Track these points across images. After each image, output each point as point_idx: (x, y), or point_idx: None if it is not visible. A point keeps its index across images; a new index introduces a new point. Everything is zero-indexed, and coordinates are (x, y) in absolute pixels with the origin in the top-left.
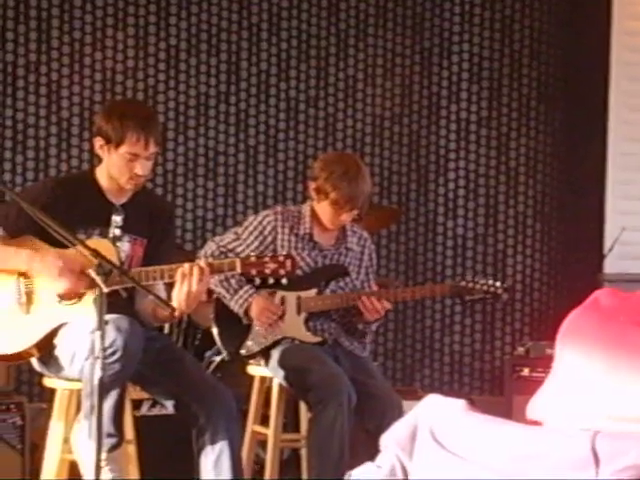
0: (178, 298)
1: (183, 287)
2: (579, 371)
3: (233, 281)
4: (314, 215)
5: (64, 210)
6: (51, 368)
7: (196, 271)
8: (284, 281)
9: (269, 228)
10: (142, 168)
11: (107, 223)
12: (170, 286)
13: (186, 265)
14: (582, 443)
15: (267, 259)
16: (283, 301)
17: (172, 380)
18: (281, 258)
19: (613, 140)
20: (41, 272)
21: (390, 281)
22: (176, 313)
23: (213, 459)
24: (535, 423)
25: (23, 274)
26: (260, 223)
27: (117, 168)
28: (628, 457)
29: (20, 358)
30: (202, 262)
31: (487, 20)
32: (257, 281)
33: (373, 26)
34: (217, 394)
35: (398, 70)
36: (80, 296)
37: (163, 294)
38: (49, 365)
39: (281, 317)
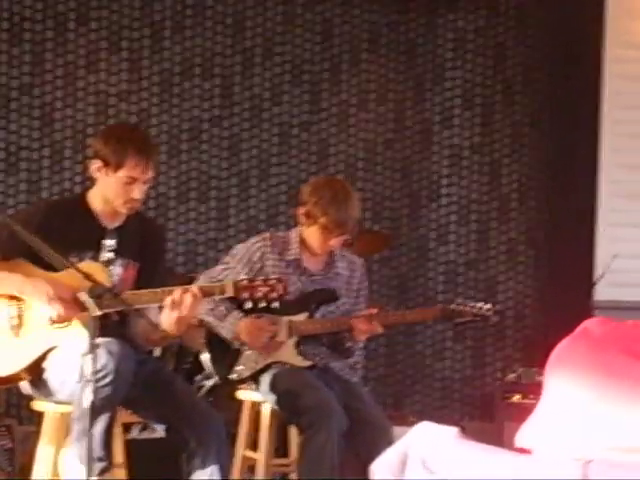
0: (168, 322)
1: (173, 312)
2: (569, 400)
3: (222, 307)
4: (302, 240)
5: (56, 233)
6: (41, 391)
7: (188, 297)
8: (275, 305)
9: (258, 254)
10: (139, 192)
11: (99, 247)
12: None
13: (178, 290)
14: (573, 472)
15: (259, 282)
16: (275, 326)
17: (163, 404)
18: (273, 281)
19: (604, 167)
20: (32, 297)
21: (381, 307)
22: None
23: None
24: (524, 451)
25: (14, 297)
26: (248, 250)
27: (114, 191)
28: None
29: (10, 382)
30: (194, 287)
31: (480, 47)
32: (248, 305)
33: (366, 51)
34: (208, 418)
35: (391, 95)
36: (71, 319)
37: (156, 318)
38: (39, 388)
39: (272, 338)
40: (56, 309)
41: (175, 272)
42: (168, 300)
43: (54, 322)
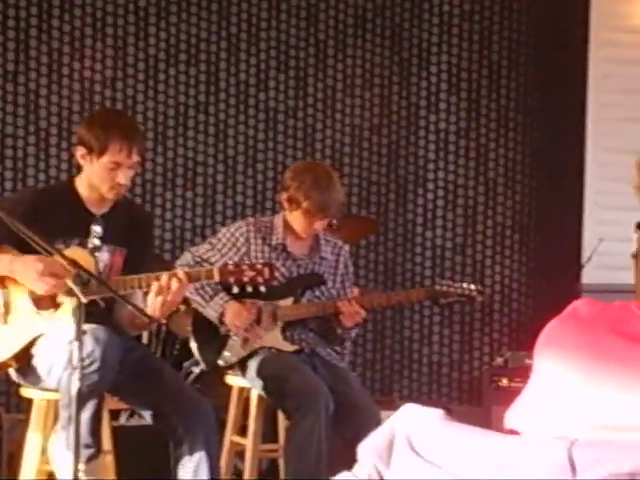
0: (153, 306)
1: (159, 297)
2: (557, 380)
3: (209, 288)
4: (287, 225)
5: (43, 220)
6: (29, 379)
7: (174, 282)
8: (262, 289)
9: (242, 240)
10: (124, 177)
11: (86, 233)
12: (147, 294)
13: (164, 275)
14: (559, 452)
15: (245, 267)
16: (260, 310)
17: (151, 390)
18: (259, 266)
19: (591, 151)
20: (22, 274)
21: (368, 290)
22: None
23: (191, 470)
24: (513, 432)
25: (1, 284)
26: (233, 234)
27: (99, 177)
28: (606, 466)
29: None
30: (180, 272)
31: (466, 31)
32: (235, 289)
33: (352, 37)
34: (196, 404)
35: (377, 81)
36: (57, 305)
37: (141, 303)
38: (27, 376)
39: (258, 323)
40: (46, 284)
41: (162, 258)
42: (155, 285)
43: (41, 306)
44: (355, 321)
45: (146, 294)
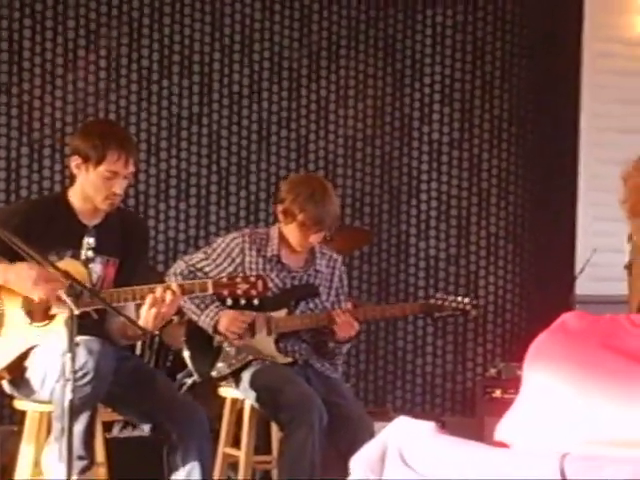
0: (146, 318)
1: (152, 309)
2: (547, 393)
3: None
4: (282, 237)
5: (37, 232)
6: (22, 390)
7: (168, 295)
8: (255, 301)
9: (237, 250)
10: (120, 187)
11: (79, 245)
12: (139, 305)
13: (159, 288)
14: (550, 465)
15: (239, 280)
16: (253, 322)
17: (144, 400)
18: (252, 279)
19: (584, 162)
20: (17, 283)
21: (362, 302)
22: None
23: (183, 477)
24: (503, 445)
25: None
26: (228, 245)
27: (94, 187)
28: (598, 478)
29: None
30: (174, 285)
31: (459, 42)
32: (229, 302)
33: (345, 47)
34: (190, 412)
35: (370, 92)
36: (51, 317)
37: (133, 314)
38: (20, 387)
39: (251, 335)
40: (40, 291)
41: (155, 269)
42: (149, 297)
43: (34, 318)
44: (348, 333)
45: (139, 305)
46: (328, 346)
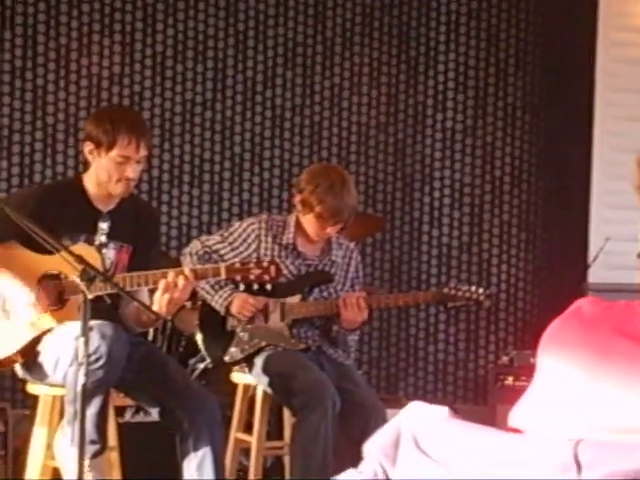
0: (159, 304)
1: (165, 294)
2: (561, 380)
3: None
4: (299, 226)
5: (51, 217)
6: (34, 374)
7: (181, 280)
8: (268, 287)
9: (253, 236)
10: (133, 171)
11: (93, 230)
12: (152, 291)
13: (171, 274)
14: (564, 450)
15: (251, 265)
16: (267, 307)
17: (156, 386)
18: (265, 264)
19: (598, 150)
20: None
21: (375, 289)
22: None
23: (196, 464)
24: (516, 431)
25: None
26: (245, 230)
27: (107, 172)
28: (611, 464)
29: (4, 364)
30: (187, 270)
31: (473, 30)
32: (241, 287)
33: (359, 35)
34: (201, 400)
35: (384, 79)
36: (64, 302)
37: (147, 300)
38: (32, 371)
39: (265, 321)
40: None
41: (168, 255)
42: (162, 283)
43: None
44: (354, 318)
45: (152, 291)
46: (332, 330)
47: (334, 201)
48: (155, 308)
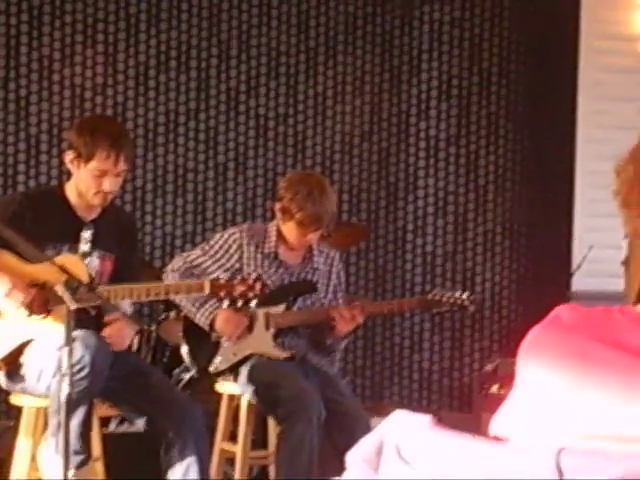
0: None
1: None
2: (541, 387)
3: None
4: (280, 234)
5: (32, 224)
6: (18, 385)
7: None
8: (252, 303)
9: (235, 246)
10: (110, 185)
11: (76, 239)
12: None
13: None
14: (546, 459)
15: (236, 282)
16: (252, 317)
17: (141, 395)
18: (250, 281)
19: (581, 158)
20: None
21: (359, 298)
22: None
23: (180, 474)
24: (498, 440)
25: None
26: (226, 241)
27: (85, 183)
28: (593, 472)
29: None
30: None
31: (456, 39)
32: (225, 304)
33: (343, 44)
34: (186, 409)
35: (367, 88)
36: (48, 311)
37: (128, 309)
38: (16, 382)
39: (249, 331)
40: (19, 296)
41: (152, 265)
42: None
43: (32, 312)
44: (348, 328)
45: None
46: (326, 342)
47: (314, 207)
48: None
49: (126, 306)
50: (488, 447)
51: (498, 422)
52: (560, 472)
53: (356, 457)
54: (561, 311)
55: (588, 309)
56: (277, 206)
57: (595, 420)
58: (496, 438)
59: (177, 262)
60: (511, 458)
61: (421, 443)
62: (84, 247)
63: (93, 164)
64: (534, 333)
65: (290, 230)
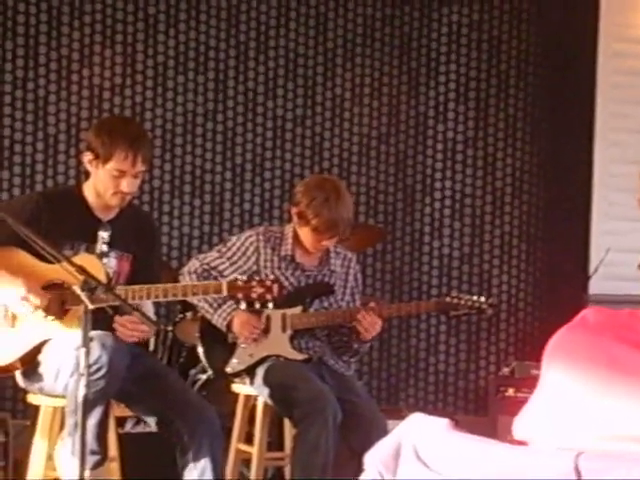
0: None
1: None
2: (566, 389)
3: (216, 295)
4: (296, 237)
5: (49, 223)
6: (35, 384)
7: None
8: (270, 305)
9: (252, 249)
10: (128, 185)
11: (94, 239)
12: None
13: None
14: (565, 462)
15: (254, 283)
16: (268, 319)
17: (156, 397)
18: (268, 283)
19: (599, 161)
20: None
21: (376, 300)
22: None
23: (196, 476)
24: (520, 443)
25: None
26: (243, 244)
27: (103, 184)
28: (613, 475)
29: (4, 371)
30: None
31: (474, 41)
32: (243, 305)
33: (361, 46)
34: (201, 411)
35: (385, 90)
36: (65, 311)
37: (151, 310)
38: (33, 381)
39: (265, 333)
40: (35, 300)
41: (169, 266)
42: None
43: (48, 312)
44: (374, 332)
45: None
46: (352, 347)
47: (330, 214)
48: None
49: (149, 307)
50: (505, 450)
51: (521, 424)
52: (579, 474)
53: (374, 459)
54: (587, 313)
55: (614, 311)
56: (294, 210)
57: (620, 421)
58: (514, 441)
59: (193, 264)
60: (529, 461)
61: (439, 445)
62: (101, 247)
63: (111, 165)
64: (559, 335)
65: (306, 235)
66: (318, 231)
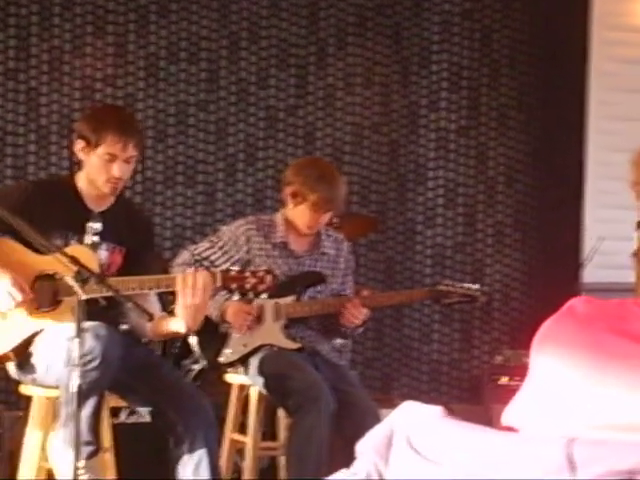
0: (185, 313)
1: (188, 297)
2: (555, 378)
3: None
4: (287, 223)
5: (40, 213)
6: (28, 375)
7: (200, 281)
8: (264, 296)
9: (243, 238)
10: (120, 169)
11: (84, 229)
12: (160, 298)
13: (191, 274)
14: (557, 450)
15: (248, 274)
16: (261, 308)
17: (150, 388)
18: (261, 273)
19: (591, 149)
20: None
21: (369, 289)
22: (183, 329)
23: (191, 468)
24: (511, 430)
25: None
26: (234, 233)
27: (95, 169)
28: (605, 463)
29: None
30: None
31: (466, 30)
32: (236, 296)
33: (353, 35)
34: (195, 402)
35: (377, 79)
36: (58, 303)
37: (156, 304)
38: (26, 372)
39: (258, 321)
40: (14, 299)
41: (161, 257)
42: (179, 283)
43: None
44: (352, 322)
45: (161, 297)
46: (339, 328)
47: (328, 189)
48: (183, 319)
49: (153, 301)
50: (499, 437)
51: (511, 412)
52: (571, 462)
53: (366, 447)
54: (575, 303)
55: (603, 301)
56: (288, 190)
57: (609, 410)
58: (508, 428)
59: (184, 255)
60: (522, 448)
61: (432, 433)
62: (92, 238)
63: (102, 149)
64: (548, 325)
65: (302, 214)
66: (317, 206)
